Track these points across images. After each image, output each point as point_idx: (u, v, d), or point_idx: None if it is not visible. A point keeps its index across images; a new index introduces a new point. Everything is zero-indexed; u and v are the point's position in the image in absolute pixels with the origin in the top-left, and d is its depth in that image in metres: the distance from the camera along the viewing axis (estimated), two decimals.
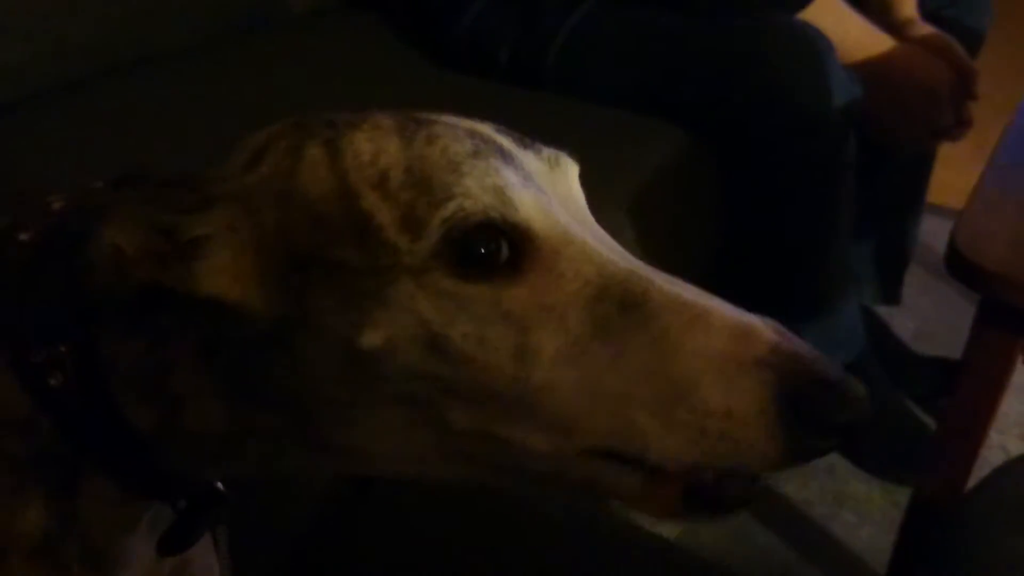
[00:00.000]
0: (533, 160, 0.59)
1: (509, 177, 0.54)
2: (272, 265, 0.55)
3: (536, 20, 1.66)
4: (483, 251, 0.53)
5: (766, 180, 1.55)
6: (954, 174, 2.02)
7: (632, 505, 0.55)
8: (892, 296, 2.09)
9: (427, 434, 0.55)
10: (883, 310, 2.10)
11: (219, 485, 0.66)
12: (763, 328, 0.52)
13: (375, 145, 0.55)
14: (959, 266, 1.07)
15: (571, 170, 0.62)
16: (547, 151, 0.61)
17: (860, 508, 1.74)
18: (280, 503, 0.95)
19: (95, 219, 0.54)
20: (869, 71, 1.60)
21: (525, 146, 0.60)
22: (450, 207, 0.52)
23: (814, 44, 1.49)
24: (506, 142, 0.58)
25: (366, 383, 0.54)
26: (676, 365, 0.51)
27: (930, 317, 2.21)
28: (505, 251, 0.53)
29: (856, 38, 1.62)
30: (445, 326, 0.52)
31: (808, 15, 1.57)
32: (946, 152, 1.93)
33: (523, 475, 0.56)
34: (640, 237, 1.39)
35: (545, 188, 0.57)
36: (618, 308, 0.53)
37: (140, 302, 0.55)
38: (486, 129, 0.59)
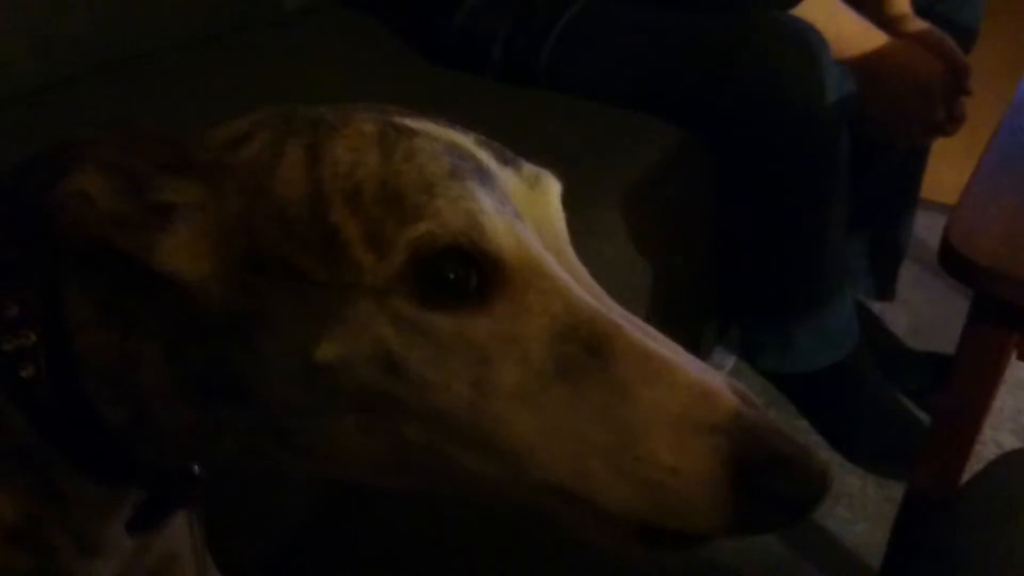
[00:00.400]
0: (512, 179, 0.57)
1: (484, 201, 0.53)
2: (231, 256, 0.54)
3: (529, 17, 1.66)
4: (451, 276, 0.52)
5: (759, 177, 1.55)
6: (948, 170, 2.03)
7: (587, 540, 0.54)
8: (886, 292, 2.09)
9: (382, 444, 0.54)
10: (877, 305, 2.11)
11: (195, 468, 0.65)
12: (726, 394, 0.51)
13: (354, 155, 0.54)
14: (953, 261, 1.07)
15: (552, 189, 0.60)
16: (528, 168, 0.59)
17: (854, 503, 1.74)
18: (273, 496, 0.95)
19: (71, 160, 0.53)
20: (863, 67, 1.60)
21: (506, 162, 0.58)
22: (419, 228, 0.51)
23: (807, 40, 1.49)
24: (486, 158, 0.57)
25: (321, 392, 0.53)
26: (632, 415, 0.50)
27: (924, 313, 2.22)
28: (474, 279, 0.52)
29: (849, 34, 1.62)
30: (404, 349, 0.51)
31: (801, 11, 1.57)
32: (940, 148, 1.93)
33: (476, 495, 0.56)
34: (634, 234, 1.39)
35: (522, 210, 0.56)
36: (583, 349, 0.52)
37: (100, 265, 0.55)
38: (467, 142, 0.57)
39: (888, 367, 1.87)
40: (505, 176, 0.57)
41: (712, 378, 0.52)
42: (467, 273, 0.52)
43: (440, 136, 0.56)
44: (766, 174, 1.54)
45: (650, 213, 1.45)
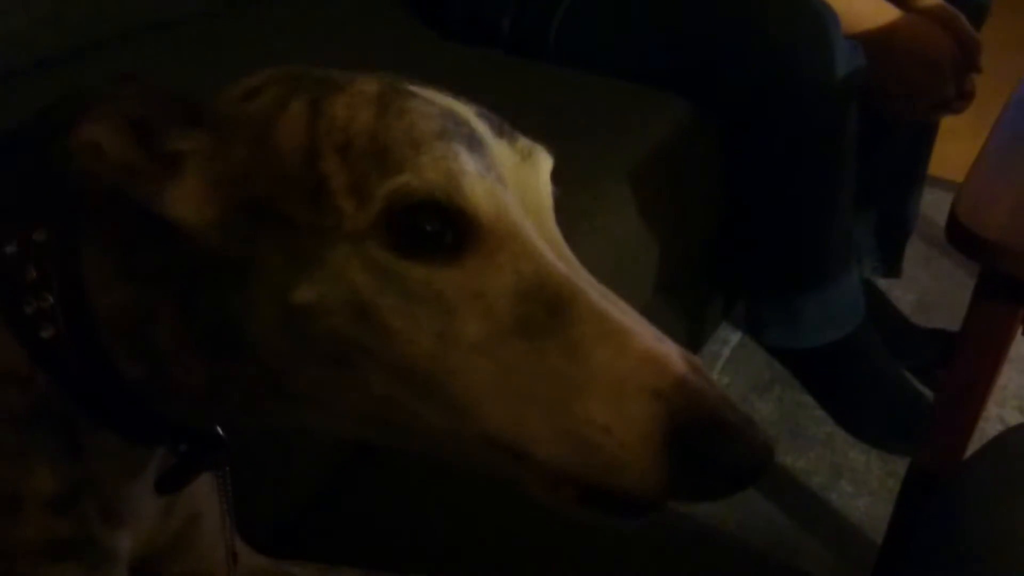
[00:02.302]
0: (504, 150, 0.59)
1: (466, 163, 0.55)
2: (232, 203, 0.56)
3: None
4: (426, 229, 0.53)
5: (768, 152, 1.55)
6: (956, 147, 2.03)
7: (532, 496, 0.55)
8: (892, 268, 2.09)
9: (354, 394, 0.56)
10: (883, 282, 2.11)
11: (219, 430, 0.67)
12: (676, 361, 0.52)
13: (351, 111, 0.56)
14: (960, 236, 1.07)
15: (543, 164, 0.61)
16: (523, 142, 0.61)
17: (858, 478, 1.75)
18: (282, 468, 0.96)
19: (84, 111, 0.55)
20: (872, 42, 1.59)
21: (501, 134, 0.60)
22: (398, 180, 0.53)
23: (818, 15, 1.49)
24: (481, 128, 0.59)
25: (299, 337, 0.55)
26: (576, 374, 0.51)
27: (930, 290, 2.22)
28: (449, 235, 0.54)
29: (860, 9, 1.61)
30: (374, 295, 0.53)
31: None
32: (948, 125, 1.93)
33: (433, 449, 0.57)
34: (642, 208, 1.39)
35: (508, 179, 0.57)
36: (545, 309, 0.53)
37: (110, 215, 0.57)
38: (466, 111, 0.59)
39: (894, 343, 1.87)
40: (498, 146, 0.58)
41: (664, 346, 0.53)
42: (443, 228, 0.54)
43: (438, 102, 0.58)
44: (775, 149, 1.54)
45: (658, 187, 1.45)
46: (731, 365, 2.01)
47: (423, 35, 1.74)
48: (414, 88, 0.58)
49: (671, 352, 0.52)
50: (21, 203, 0.61)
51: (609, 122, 1.49)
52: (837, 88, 1.49)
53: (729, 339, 2.06)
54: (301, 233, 0.54)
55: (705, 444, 0.50)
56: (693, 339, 1.92)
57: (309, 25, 1.73)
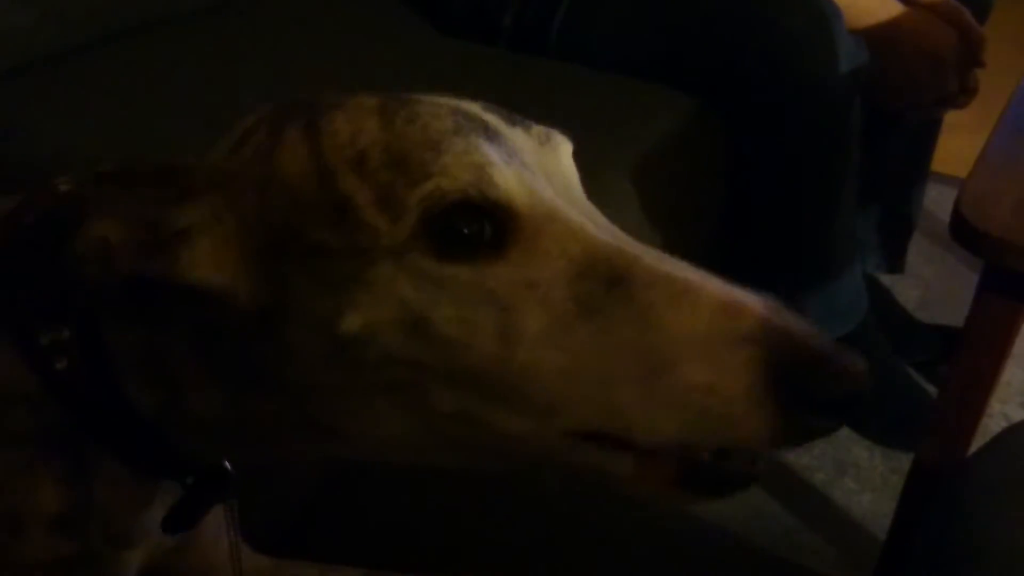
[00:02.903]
0: (521, 137, 0.58)
1: (490, 154, 0.53)
2: (254, 250, 0.54)
3: None
4: (464, 231, 0.52)
5: (771, 147, 1.55)
6: (960, 142, 2.02)
7: (627, 488, 0.54)
8: (896, 264, 2.09)
9: (413, 419, 0.54)
10: (887, 278, 2.10)
11: (225, 464, 0.67)
12: (753, 303, 0.51)
13: (354, 125, 0.54)
14: (963, 231, 1.07)
15: (563, 147, 0.61)
16: (537, 128, 0.60)
17: (861, 475, 1.75)
18: (283, 467, 0.96)
19: (82, 212, 0.54)
20: (876, 37, 1.59)
21: (513, 123, 0.59)
22: (427, 187, 0.51)
23: (821, 10, 1.48)
24: (493, 119, 0.57)
25: (351, 369, 0.53)
26: (658, 341, 0.50)
27: (934, 286, 2.21)
28: (488, 230, 0.52)
29: (863, 4, 1.61)
30: (426, 308, 0.51)
31: None
32: (951, 120, 1.92)
33: (512, 459, 0.56)
34: (645, 205, 1.39)
35: (532, 165, 0.56)
36: (603, 285, 0.52)
37: (131, 292, 0.56)
38: (473, 107, 0.58)
39: (897, 339, 1.87)
40: (513, 135, 0.57)
41: (736, 291, 0.52)
42: (480, 225, 0.52)
43: (443, 102, 0.57)
44: (778, 144, 1.54)
45: (662, 183, 1.45)
46: None
47: (424, 31, 1.74)
48: (414, 96, 0.57)
49: (745, 296, 0.51)
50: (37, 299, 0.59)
51: (612, 118, 1.49)
52: (840, 83, 1.49)
53: None
54: (336, 259, 0.52)
55: (808, 381, 0.49)
56: None
57: (310, 20, 1.73)
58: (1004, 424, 1.76)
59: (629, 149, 1.43)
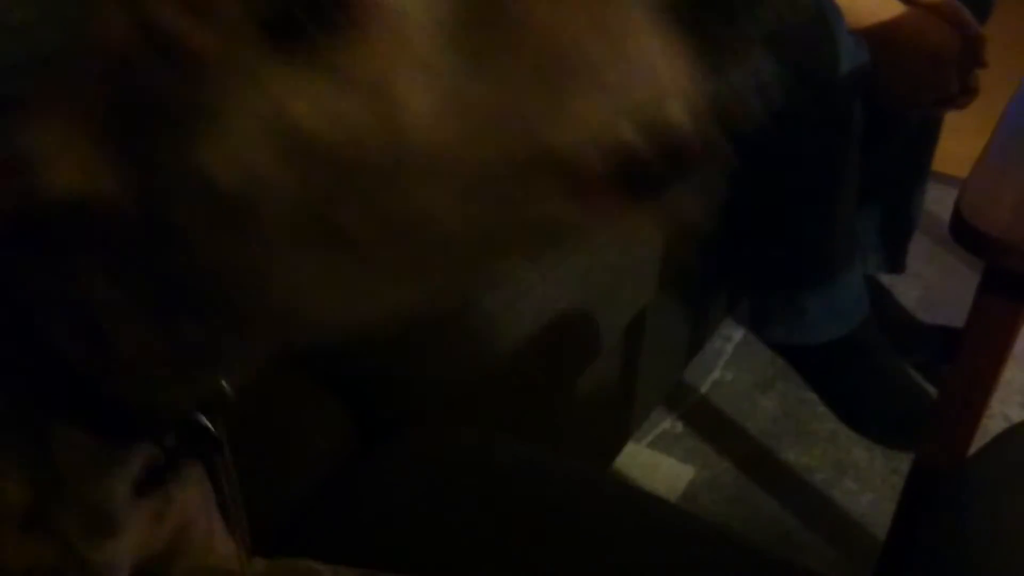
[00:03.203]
0: None
1: None
2: (102, 143, 0.48)
3: None
4: (300, 16, 0.43)
5: (771, 146, 1.54)
6: (960, 143, 2.01)
7: (573, 218, 0.47)
8: (896, 265, 2.08)
9: (338, 263, 0.48)
10: (887, 278, 2.10)
11: (205, 421, 0.61)
12: None
13: None
14: (963, 232, 1.07)
15: None
16: None
17: (861, 475, 1.75)
18: (281, 467, 0.96)
19: None
20: (876, 36, 1.58)
21: None
22: None
23: (821, 9, 1.48)
24: None
25: (247, 228, 0.46)
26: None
27: (934, 286, 2.21)
28: (336, 11, 0.43)
29: (863, 3, 1.61)
30: (289, 118, 0.44)
31: None
32: (952, 120, 1.92)
33: (457, 249, 0.48)
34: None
35: None
36: (482, 18, 0.43)
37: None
38: None
39: (897, 339, 1.86)
40: None
41: None
42: (324, 4, 0.43)
43: None
44: (777, 143, 1.53)
45: None
46: (734, 361, 2.00)
47: None
48: None
49: None
50: None
51: None
52: (841, 82, 1.49)
53: (732, 335, 2.05)
54: (174, 99, 0.45)
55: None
56: (696, 335, 1.91)
57: None
58: (1004, 424, 1.76)
59: None
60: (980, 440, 1.06)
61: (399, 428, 1.03)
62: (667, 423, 1.85)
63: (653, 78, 0.43)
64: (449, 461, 0.98)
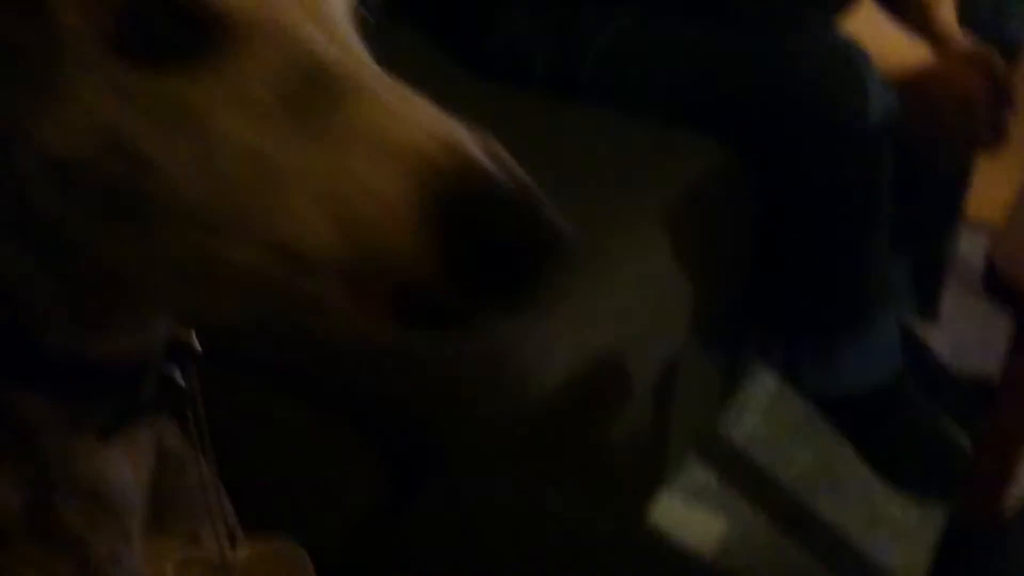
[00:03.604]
0: None
1: None
2: None
3: (573, 30, 1.66)
4: (165, 34, 0.46)
5: (802, 194, 1.54)
6: (991, 188, 2.00)
7: (342, 322, 0.49)
8: (929, 312, 2.07)
9: (152, 250, 0.50)
10: (920, 325, 2.08)
11: (176, 376, 0.61)
12: (455, 130, 0.46)
13: None
14: (996, 285, 1.06)
15: None
16: None
17: (895, 527, 1.73)
18: (313, 512, 0.95)
19: None
20: (906, 83, 1.58)
21: None
22: None
23: (851, 57, 1.48)
24: None
25: (74, 195, 0.49)
26: (343, 148, 0.45)
27: (967, 333, 2.19)
28: (198, 38, 0.47)
29: (893, 50, 1.61)
30: (121, 124, 0.47)
31: (845, 27, 1.56)
32: (983, 165, 1.91)
33: (248, 295, 0.51)
34: (676, 250, 1.38)
35: None
36: (314, 95, 0.46)
37: None
38: None
39: (931, 389, 1.84)
40: None
41: (445, 118, 0.47)
42: (190, 29, 0.47)
43: None
44: (809, 191, 1.53)
45: (691, 229, 1.44)
46: (767, 410, 1.99)
47: (457, 74, 1.75)
48: None
49: (452, 124, 0.46)
50: None
51: (643, 164, 1.48)
52: (871, 130, 1.48)
53: (765, 384, 2.04)
54: (34, 64, 0.47)
55: (478, 212, 0.44)
56: (728, 382, 1.90)
57: None
58: None
59: (657, 194, 1.43)
60: (1016, 492, 1.04)
61: (432, 476, 1.03)
62: (699, 473, 1.84)
63: (387, 224, 0.45)
64: (482, 510, 0.97)
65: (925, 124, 1.62)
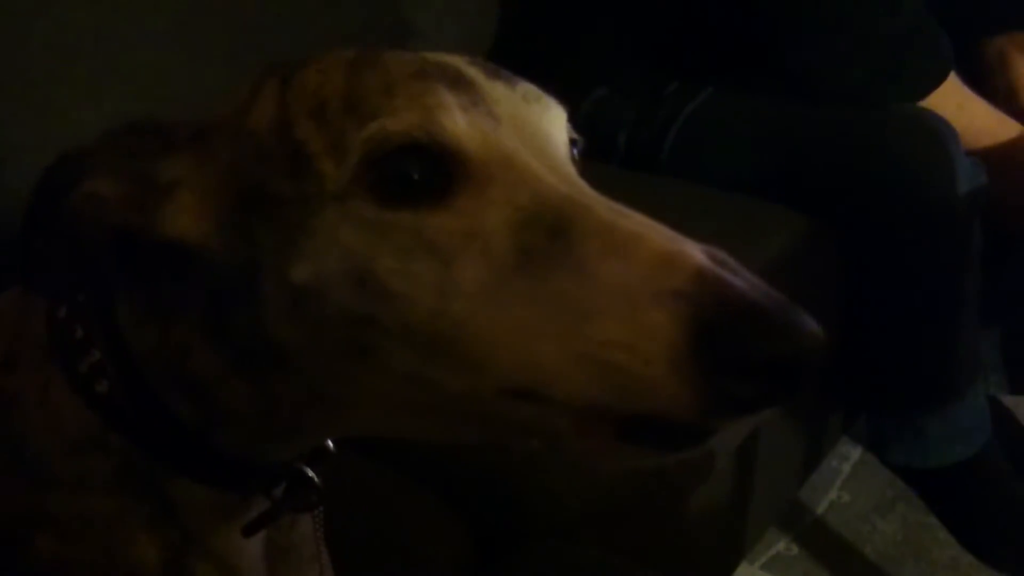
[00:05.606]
0: (500, 89, 0.55)
1: (445, 97, 0.51)
2: (229, 204, 0.54)
3: (654, 106, 1.68)
4: (411, 176, 0.50)
5: (889, 269, 1.53)
6: None
7: (566, 450, 0.50)
8: (1018, 385, 2.03)
9: (381, 383, 0.52)
10: (1009, 399, 2.05)
11: (308, 471, 0.65)
12: (691, 254, 0.46)
13: (322, 76, 0.54)
14: None
15: (553, 109, 0.58)
16: (526, 85, 0.57)
17: None
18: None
19: (76, 170, 0.54)
20: (994, 158, 1.58)
21: (497, 76, 0.56)
22: (372, 127, 0.50)
23: (937, 132, 1.48)
24: (471, 71, 0.55)
25: (313, 324, 0.51)
26: (586, 293, 0.46)
27: None
28: (438, 178, 0.50)
29: (980, 125, 1.60)
30: (369, 258, 0.49)
31: (931, 102, 1.56)
32: None
33: (461, 426, 0.53)
34: None
35: (502, 116, 0.53)
36: (546, 235, 0.48)
37: (125, 259, 0.56)
38: (453, 59, 0.56)
39: (1019, 462, 1.81)
40: (490, 86, 0.55)
41: (678, 243, 0.47)
42: (431, 171, 0.50)
43: (420, 53, 0.55)
44: (896, 266, 1.53)
45: None
46: (852, 482, 1.96)
47: None
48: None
49: (686, 247, 0.47)
50: (55, 272, 0.59)
51: (725, 235, 1.46)
52: (959, 205, 1.48)
53: (850, 455, 2.02)
54: (288, 208, 0.51)
55: (734, 336, 0.44)
56: (812, 454, 1.88)
57: None
58: None
59: (744, 266, 1.43)
60: None
61: (517, 544, 1.04)
62: (781, 545, 1.82)
63: (646, 374, 0.45)
64: None
65: (1014, 199, 1.61)
